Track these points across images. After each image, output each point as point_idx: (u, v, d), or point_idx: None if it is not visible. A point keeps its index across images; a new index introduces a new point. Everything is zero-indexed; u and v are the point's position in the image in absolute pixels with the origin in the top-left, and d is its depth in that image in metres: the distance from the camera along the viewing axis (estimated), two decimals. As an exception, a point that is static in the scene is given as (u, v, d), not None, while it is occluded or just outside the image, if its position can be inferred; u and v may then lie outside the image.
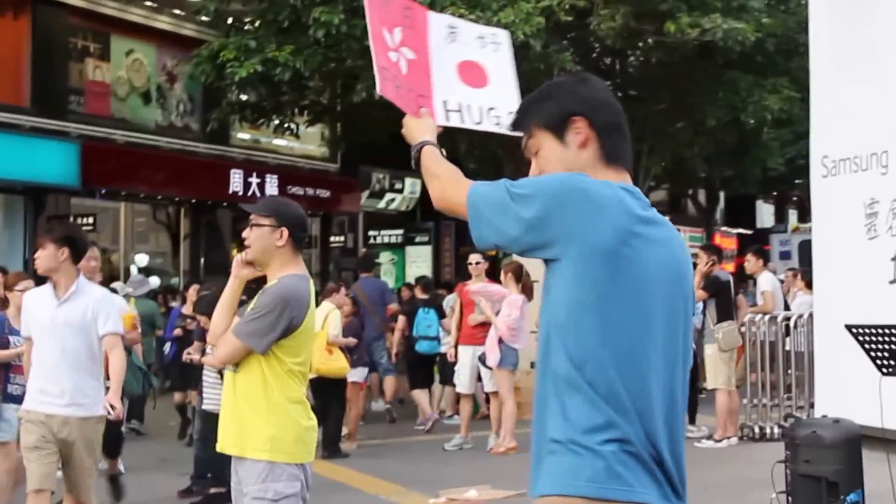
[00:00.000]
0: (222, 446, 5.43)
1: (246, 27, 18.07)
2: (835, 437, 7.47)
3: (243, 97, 19.78)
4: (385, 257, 29.10)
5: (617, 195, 2.90)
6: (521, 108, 3.28)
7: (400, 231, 29.58)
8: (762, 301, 14.43)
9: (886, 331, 7.21)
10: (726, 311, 13.11)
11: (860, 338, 7.34)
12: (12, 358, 8.90)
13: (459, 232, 29.73)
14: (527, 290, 13.20)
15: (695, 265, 22.49)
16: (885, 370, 7.32)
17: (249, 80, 16.92)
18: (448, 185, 3.21)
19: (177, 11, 22.92)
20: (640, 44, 18.33)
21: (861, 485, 7.44)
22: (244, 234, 5.56)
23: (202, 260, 23.25)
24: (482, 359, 13.15)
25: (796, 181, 37.10)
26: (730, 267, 28.50)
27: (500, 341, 12.82)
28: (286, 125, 20.53)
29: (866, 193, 11.65)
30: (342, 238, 27.68)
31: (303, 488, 5.37)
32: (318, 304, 13.73)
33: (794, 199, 44.14)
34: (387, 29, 3.97)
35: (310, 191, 24.39)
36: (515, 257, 15.97)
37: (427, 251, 29.47)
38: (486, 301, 13.22)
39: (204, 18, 21.32)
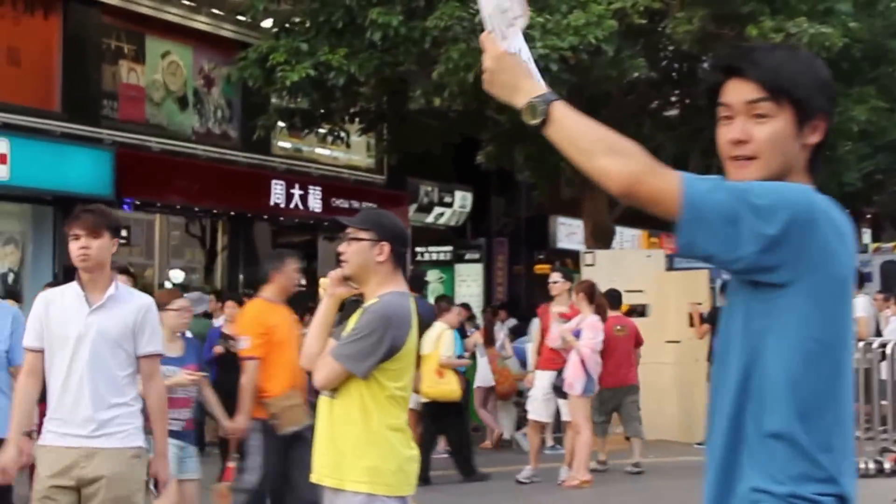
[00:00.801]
0: (318, 477, 5.42)
1: (296, 28, 18.05)
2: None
3: (291, 104, 19.75)
4: (433, 275, 28.97)
5: (847, 219, 2.79)
6: (775, 62, 2.89)
7: (449, 248, 29.40)
8: (856, 327, 14.27)
9: None
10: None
11: None
12: (169, 389, 8.26)
13: (514, 249, 29.60)
14: (601, 311, 13.15)
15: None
16: None
17: (301, 85, 16.93)
18: (643, 169, 2.72)
19: (215, 11, 22.95)
20: (717, 49, 18.21)
21: None
22: (340, 249, 5.53)
23: (241, 276, 23.27)
24: (557, 386, 13.09)
25: (873, 198, 36.85)
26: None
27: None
28: (336, 134, 20.53)
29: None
30: (390, 254, 27.60)
31: (403, 522, 5.36)
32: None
33: (869, 216, 43.83)
34: None
35: (355, 204, 24.32)
36: (586, 276, 15.94)
37: (478, 269, 29.26)
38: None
39: (242, 18, 21.39)
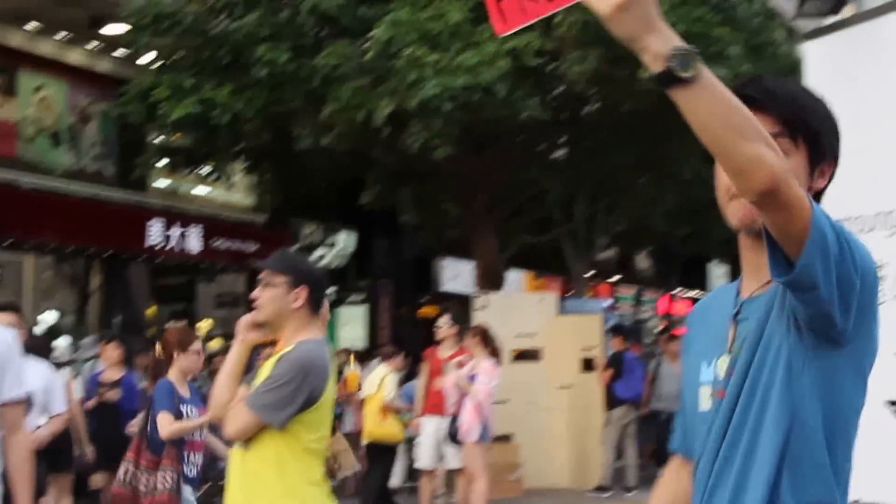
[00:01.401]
0: (228, 535, 5.28)
1: (180, 64, 17.83)
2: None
3: (173, 141, 19.53)
4: (315, 319, 28.74)
5: None
6: (791, 93, 2.64)
7: (331, 290, 29.24)
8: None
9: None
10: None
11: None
12: (188, 432, 8.06)
13: (398, 292, 29.46)
14: (496, 355, 13.12)
15: (670, 329, 22.38)
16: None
17: (184, 122, 16.74)
18: (789, 168, 2.31)
19: (91, 46, 22.64)
20: (609, 89, 18.35)
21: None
22: (254, 294, 5.42)
23: (115, 319, 22.85)
24: (453, 433, 13.01)
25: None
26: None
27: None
28: (219, 173, 20.34)
29: (873, 256, 11.71)
30: (269, 296, 27.41)
31: (321, 584, 5.24)
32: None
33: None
34: None
35: (235, 244, 24.11)
36: (478, 320, 15.89)
37: (361, 312, 29.17)
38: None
39: (120, 54, 21.12)
